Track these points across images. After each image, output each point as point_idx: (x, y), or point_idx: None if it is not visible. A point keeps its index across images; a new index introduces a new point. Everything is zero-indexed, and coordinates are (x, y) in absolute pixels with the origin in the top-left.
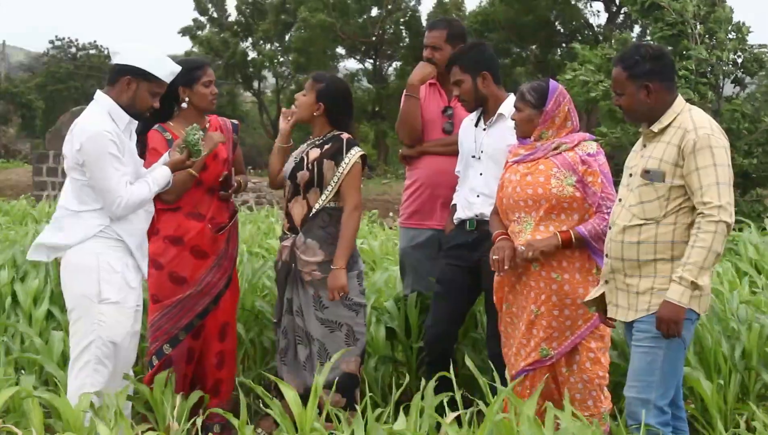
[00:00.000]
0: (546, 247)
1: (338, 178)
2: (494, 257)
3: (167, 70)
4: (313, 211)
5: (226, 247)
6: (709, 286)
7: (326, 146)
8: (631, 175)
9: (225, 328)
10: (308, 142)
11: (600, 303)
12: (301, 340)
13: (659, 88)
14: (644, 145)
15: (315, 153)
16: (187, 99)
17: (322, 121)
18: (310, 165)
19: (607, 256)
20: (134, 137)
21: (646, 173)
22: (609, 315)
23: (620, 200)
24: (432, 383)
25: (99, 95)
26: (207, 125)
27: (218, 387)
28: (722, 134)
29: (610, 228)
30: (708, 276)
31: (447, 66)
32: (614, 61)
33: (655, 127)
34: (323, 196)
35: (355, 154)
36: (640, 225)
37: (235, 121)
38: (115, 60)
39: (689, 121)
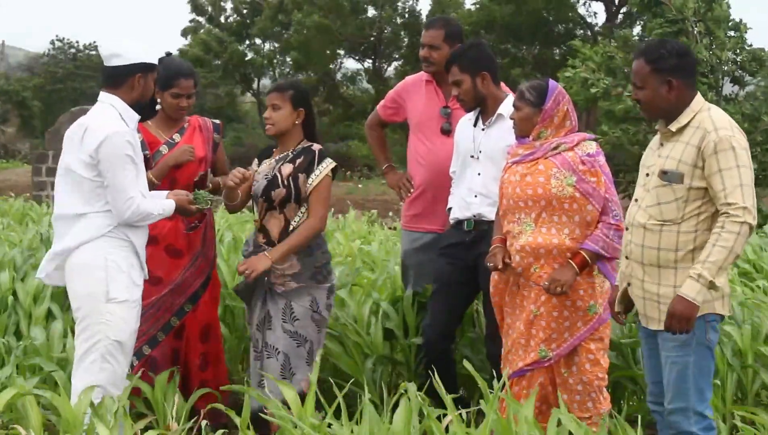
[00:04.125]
0: (571, 279)
1: (309, 190)
2: (489, 265)
3: (154, 53)
4: (293, 224)
5: (202, 247)
6: (727, 285)
7: (299, 160)
8: (647, 175)
9: (207, 330)
10: (277, 158)
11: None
12: (258, 355)
13: (681, 84)
14: (661, 144)
15: (288, 168)
16: (158, 100)
17: (297, 131)
18: (285, 181)
19: (627, 257)
20: (138, 137)
21: (664, 174)
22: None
23: (636, 200)
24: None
25: (106, 96)
26: (186, 125)
27: (204, 388)
28: (742, 135)
29: (626, 228)
30: (725, 276)
31: (446, 66)
32: (636, 53)
33: (673, 127)
34: (302, 210)
35: (326, 166)
36: (660, 230)
37: (217, 121)
38: (115, 62)
39: (709, 122)
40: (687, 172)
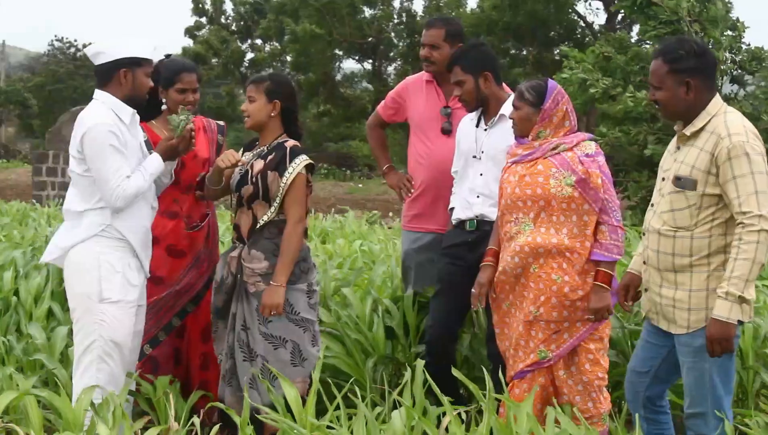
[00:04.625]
0: (609, 301)
1: (282, 190)
2: (473, 291)
3: (149, 48)
4: (260, 223)
5: (205, 247)
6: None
7: (270, 157)
8: (663, 179)
9: (208, 330)
10: (254, 152)
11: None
12: (247, 357)
13: (700, 85)
14: (678, 148)
15: (259, 165)
16: (164, 100)
17: (275, 125)
18: (254, 178)
19: (644, 263)
20: (140, 133)
21: (678, 180)
22: (651, 321)
23: (652, 205)
24: (420, 373)
25: (99, 94)
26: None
27: (205, 388)
28: (758, 139)
29: (643, 234)
30: (753, 287)
31: (448, 66)
32: (655, 53)
33: (688, 131)
34: (272, 209)
35: (299, 163)
36: (674, 236)
37: (221, 123)
38: (100, 60)
39: (723, 127)
40: (700, 179)
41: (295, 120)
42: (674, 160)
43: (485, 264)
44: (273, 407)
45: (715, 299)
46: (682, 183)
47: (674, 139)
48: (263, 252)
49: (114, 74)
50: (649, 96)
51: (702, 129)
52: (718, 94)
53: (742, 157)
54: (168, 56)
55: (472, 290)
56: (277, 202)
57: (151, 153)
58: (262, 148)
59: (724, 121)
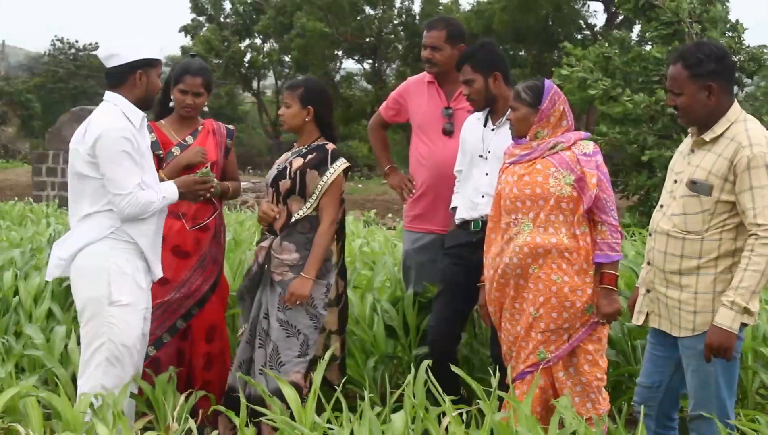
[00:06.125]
0: (619, 304)
1: (321, 189)
2: (481, 312)
3: (157, 49)
4: (294, 218)
5: (211, 249)
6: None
7: (310, 156)
8: (675, 181)
9: (212, 330)
10: (293, 151)
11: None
12: (263, 343)
13: (720, 90)
14: (692, 151)
15: (298, 162)
16: (172, 97)
17: (311, 128)
18: (292, 174)
19: (648, 263)
20: (148, 136)
21: (693, 184)
22: (651, 325)
23: (662, 206)
24: (422, 374)
25: (110, 96)
26: (199, 128)
27: (207, 389)
28: None
29: (650, 235)
30: (758, 299)
31: (457, 64)
32: (673, 58)
33: (707, 136)
34: (307, 205)
35: (339, 165)
36: (684, 238)
37: (231, 127)
38: (114, 62)
39: (744, 135)
40: (717, 185)
41: (329, 125)
42: (688, 164)
43: (482, 284)
44: (278, 394)
45: (719, 306)
46: (697, 187)
47: (687, 141)
48: (295, 244)
49: (129, 76)
50: (668, 102)
51: (721, 135)
52: (736, 100)
53: (762, 169)
54: (193, 56)
55: (476, 308)
56: (314, 199)
57: (157, 153)
58: (300, 148)
59: (744, 129)
